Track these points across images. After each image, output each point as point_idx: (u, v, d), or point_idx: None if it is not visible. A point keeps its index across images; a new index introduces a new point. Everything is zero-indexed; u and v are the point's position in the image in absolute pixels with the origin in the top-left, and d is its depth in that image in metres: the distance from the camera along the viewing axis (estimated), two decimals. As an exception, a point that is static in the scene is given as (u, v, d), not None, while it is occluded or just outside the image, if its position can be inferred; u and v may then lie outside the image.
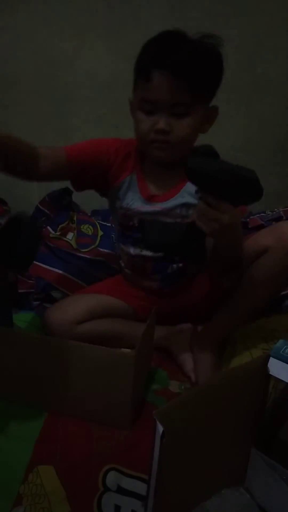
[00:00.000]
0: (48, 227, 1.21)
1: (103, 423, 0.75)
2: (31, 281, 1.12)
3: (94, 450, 0.71)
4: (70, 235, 1.19)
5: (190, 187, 0.88)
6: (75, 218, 1.24)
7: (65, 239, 1.19)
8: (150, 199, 0.92)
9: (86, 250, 1.19)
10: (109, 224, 1.28)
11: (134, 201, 0.92)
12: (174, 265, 0.97)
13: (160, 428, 0.45)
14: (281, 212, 1.28)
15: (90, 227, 1.25)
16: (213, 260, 0.86)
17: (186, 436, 0.50)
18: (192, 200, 0.89)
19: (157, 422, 0.45)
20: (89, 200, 1.19)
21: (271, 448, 0.65)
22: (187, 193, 0.90)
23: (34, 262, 1.16)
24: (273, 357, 0.58)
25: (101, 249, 1.22)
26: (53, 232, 1.20)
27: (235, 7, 1.23)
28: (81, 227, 1.24)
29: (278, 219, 1.26)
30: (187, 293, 1.01)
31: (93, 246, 1.21)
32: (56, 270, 1.15)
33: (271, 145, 1.36)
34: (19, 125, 1.02)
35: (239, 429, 0.60)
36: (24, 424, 0.75)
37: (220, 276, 0.95)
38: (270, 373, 0.58)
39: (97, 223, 1.27)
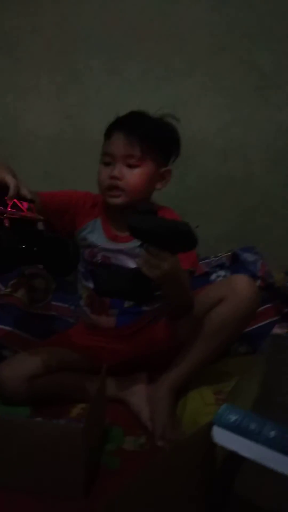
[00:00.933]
0: (-1, 284, 1.20)
1: (56, 496, 0.73)
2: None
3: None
4: (21, 291, 1.19)
5: None
6: (26, 273, 1.24)
7: (16, 295, 1.18)
8: (113, 238, 1.02)
9: (39, 305, 1.19)
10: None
11: (99, 240, 1.02)
12: None
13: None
14: (224, 257, 1.33)
15: (42, 280, 1.25)
16: (164, 302, 0.97)
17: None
18: None
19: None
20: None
21: (224, 508, 0.66)
22: None
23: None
24: (216, 424, 0.59)
25: (54, 303, 1.21)
26: (3, 288, 1.19)
27: (169, 71, 1.32)
28: (33, 281, 1.24)
29: (222, 265, 1.31)
30: (144, 337, 1.03)
31: (45, 301, 1.20)
32: (6, 328, 1.13)
33: (213, 192, 1.44)
34: None
35: (190, 502, 0.60)
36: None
37: (174, 320, 1.01)
38: (215, 441, 0.59)
39: (49, 276, 1.27)
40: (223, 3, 1.30)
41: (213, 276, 1.31)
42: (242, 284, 0.96)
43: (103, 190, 1.00)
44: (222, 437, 0.59)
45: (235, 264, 1.33)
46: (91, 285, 1.02)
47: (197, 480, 0.59)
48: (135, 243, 0.99)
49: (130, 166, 0.97)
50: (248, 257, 1.34)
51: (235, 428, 0.58)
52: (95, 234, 1.03)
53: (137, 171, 0.98)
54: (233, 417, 0.59)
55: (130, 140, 0.96)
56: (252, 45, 1.34)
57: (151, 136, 0.98)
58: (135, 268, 0.86)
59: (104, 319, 1.03)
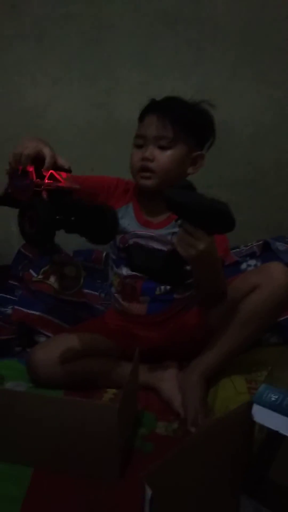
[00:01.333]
0: (31, 271, 1.21)
1: (91, 477, 0.73)
2: (13, 327, 1.11)
3: (84, 507, 0.70)
4: (52, 278, 1.20)
5: None
6: (57, 260, 1.25)
7: (47, 282, 1.19)
8: (145, 224, 1.02)
9: (70, 292, 1.19)
10: (92, 264, 1.29)
11: (130, 226, 1.01)
12: (162, 287, 1.01)
13: (149, 493, 0.45)
14: (255, 247, 1.31)
15: (73, 268, 1.25)
16: (196, 290, 0.95)
17: (175, 496, 0.49)
18: None
19: (146, 486, 0.45)
20: (70, 240, 1.20)
21: (259, 493, 0.65)
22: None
23: (15, 307, 1.16)
24: (256, 403, 0.58)
25: (85, 290, 1.22)
26: (35, 275, 1.20)
27: (199, 57, 1.30)
28: (64, 268, 1.25)
29: (252, 254, 1.29)
30: (175, 324, 1.03)
31: (76, 288, 1.21)
32: (39, 314, 1.14)
33: (242, 180, 1.42)
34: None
35: (227, 478, 0.59)
36: (10, 483, 0.73)
37: (206, 309, 1.00)
38: (255, 419, 0.58)
39: (79, 264, 1.28)
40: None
41: (243, 265, 1.30)
42: (277, 271, 0.94)
43: (135, 172, 0.99)
44: (263, 416, 0.58)
45: (266, 253, 1.31)
46: (123, 271, 1.02)
47: (235, 456, 0.58)
48: (167, 229, 1.01)
49: (162, 148, 0.97)
50: (280, 246, 1.32)
51: (277, 407, 0.57)
52: (127, 220, 1.02)
53: (168, 153, 0.97)
54: (273, 396, 0.58)
55: (162, 122, 0.96)
56: (285, 29, 1.31)
57: (184, 119, 0.97)
58: (170, 249, 0.85)
59: (135, 306, 1.03)
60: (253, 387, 0.99)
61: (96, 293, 1.22)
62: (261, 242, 1.33)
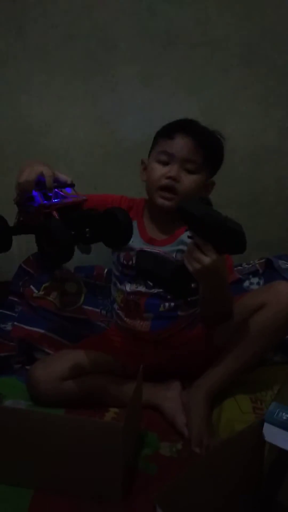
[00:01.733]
0: (31, 287, 1.20)
1: (93, 499, 0.71)
2: (12, 344, 1.09)
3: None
4: (53, 294, 1.18)
5: (185, 237, 0.96)
6: (58, 277, 1.23)
7: (49, 298, 1.17)
8: (149, 241, 1.01)
9: (70, 308, 1.18)
10: (93, 281, 1.27)
11: (135, 242, 0.98)
12: (166, 304, 1.00)
13: (161, 514, 0.43)
14: (257, 265, 1.30)
15: (74, 284, 1.24)
16: (202, 306, 0.94)
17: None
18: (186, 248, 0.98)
19: (157, 508, 0.43)
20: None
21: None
22: (182, 242, 0.99)
23: (15, 323, 1.14)
24: (267, 422, 0.57)
25: (85, 307, 1.20)
26: (36, 291, 1.19)
27: (202, 78, 1.32)
28: (65, 285, 1.23)
29: (255, 272, 1.28)
30: (179, 342, 1.02)
31: (77, 305, 1.20)
32: (40, 330, 1.13)
33: (244, 199, 1.42)
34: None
35: (237, 499, 0.57)
36: (8, 505, 0.70)
37: (212, 327, 0.99)
38: (266, 439, 0.56)
39: (80, 280, 1.27)
40: (255, 10, 1.31)
41: (246, 283, 1.29)
42: (285, 290, 0.93)
43: (155, 189, 0.98)
44: (274, 435, 0.56)
45: (269, 271, 1.31)
46: (126, 288, 1.01)
47: (246, 476, 0.56)
48: (172, 247, 1.01)
49: (188, 171, 0.96)
50: (282, 264, 1.32)
51: (288, 427, 0.56)
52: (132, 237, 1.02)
53: (194, 178, 0.96)
54: (285, 415, 0.57)
55: (195, 146, 0.95)
56: (285, 52, 1.34)
57: (212, 147, 0.99)
58: (180, 261, 0.86)
59: (139, 322, 1.01)
60: (258, 406, 0.97)
61: (97, 309, 1.21)
62: (263, 260, 1.32)
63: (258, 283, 1.30)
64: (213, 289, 0.86)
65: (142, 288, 1.00)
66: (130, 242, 1.00)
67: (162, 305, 1.00)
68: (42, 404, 0.92)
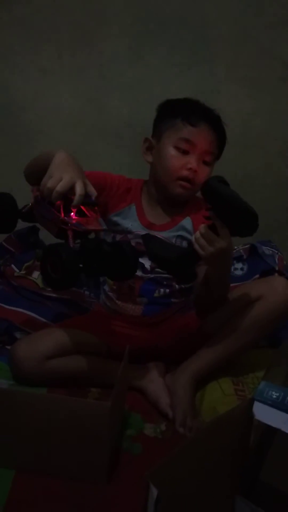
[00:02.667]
0: (12, 265, 1.17)
1: (77, 479, 0.70)
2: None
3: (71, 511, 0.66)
4: (35, 274, 1.16)
5: (185, 223, 0.99)
6: (41, 256, 1.21)
7: (30, 278, 1.15)
8: (148, 226, 0.99)
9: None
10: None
11: (133, 227, 0.98)
12: (161, 289, 0.99)
13: (154, 491, 0.42)
14: (242, 250, 1.31)
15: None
16: (202, 291, 0.95)
17: (178, 494, 0.47)
18: (186, 234, 0.99)
19: (151, 485, 0.42)
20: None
21: (254, 492, 0.63)
22: (182, 228, 0.99)
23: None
24: (257, 400, 0.57)
25: (68, 287, 1.18)
26: (17, 270, 1.16)
27: (192, 58, 1.30)
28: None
29: (239, 257, 1.30)
30: (169, 327, 1.01)
31: (60, 285, 1.17)
32: (21, 310, 1.10)
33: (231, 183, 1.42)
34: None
35: (225, 477, 0.57)
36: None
37: (203, 315, 1.00)
38: (256, 417, 0.57)
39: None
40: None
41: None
42: (282, 286, 0.94)
43: (173, 178, 0.95)
44: (264, 414, 0.56)
45: (253, 256, 1.32)
46: None
47: (234, 455, 0.57)
48: (171, 232, 1.00)
49: (205, 162, 0.96)
50: (266, 250, 1.33)
51: (278, 405, 0.56)
52: (129, 221, 1.00)
53: (208, 169, 0.97)
54: (275, 394, 0.57)
55: (215, 139, 0.95)
56: (277, 35, 1.32)
57: (225, 140, 0.99)
58: (187, 246, 0.87)
59: (131, 306, 1.00)
60: (240, 389, 0.98)
61: (80, 290, 1.19)
62: (248, 245, 1.33)
63: (242, 269, 1.30)
64: (220, 272, 0.89)
65: (138, 272, 0.97)
66: (129, 225, 1.00)
67: (157, 291, 0.99)
68: (25, 383, 0.90)
